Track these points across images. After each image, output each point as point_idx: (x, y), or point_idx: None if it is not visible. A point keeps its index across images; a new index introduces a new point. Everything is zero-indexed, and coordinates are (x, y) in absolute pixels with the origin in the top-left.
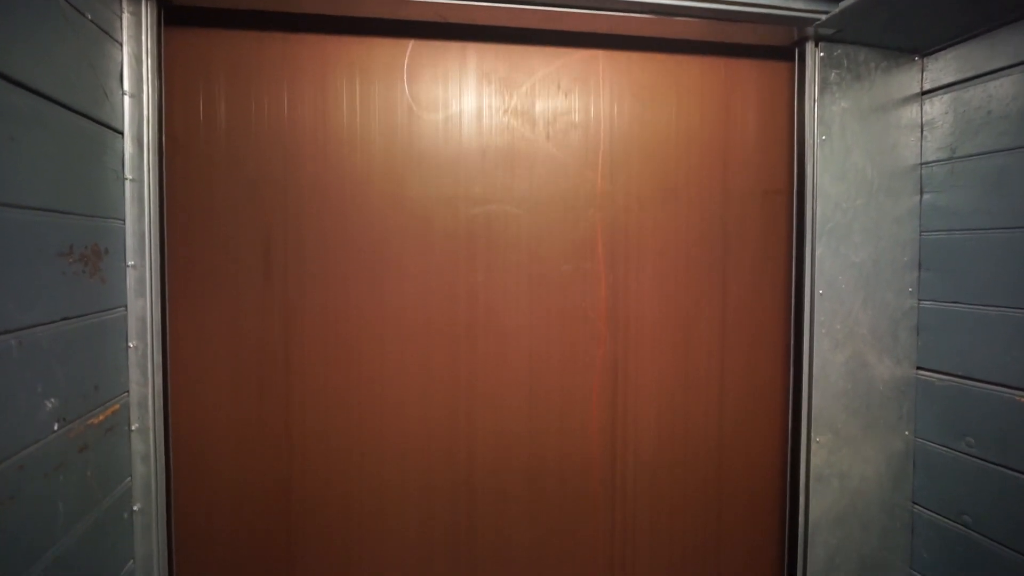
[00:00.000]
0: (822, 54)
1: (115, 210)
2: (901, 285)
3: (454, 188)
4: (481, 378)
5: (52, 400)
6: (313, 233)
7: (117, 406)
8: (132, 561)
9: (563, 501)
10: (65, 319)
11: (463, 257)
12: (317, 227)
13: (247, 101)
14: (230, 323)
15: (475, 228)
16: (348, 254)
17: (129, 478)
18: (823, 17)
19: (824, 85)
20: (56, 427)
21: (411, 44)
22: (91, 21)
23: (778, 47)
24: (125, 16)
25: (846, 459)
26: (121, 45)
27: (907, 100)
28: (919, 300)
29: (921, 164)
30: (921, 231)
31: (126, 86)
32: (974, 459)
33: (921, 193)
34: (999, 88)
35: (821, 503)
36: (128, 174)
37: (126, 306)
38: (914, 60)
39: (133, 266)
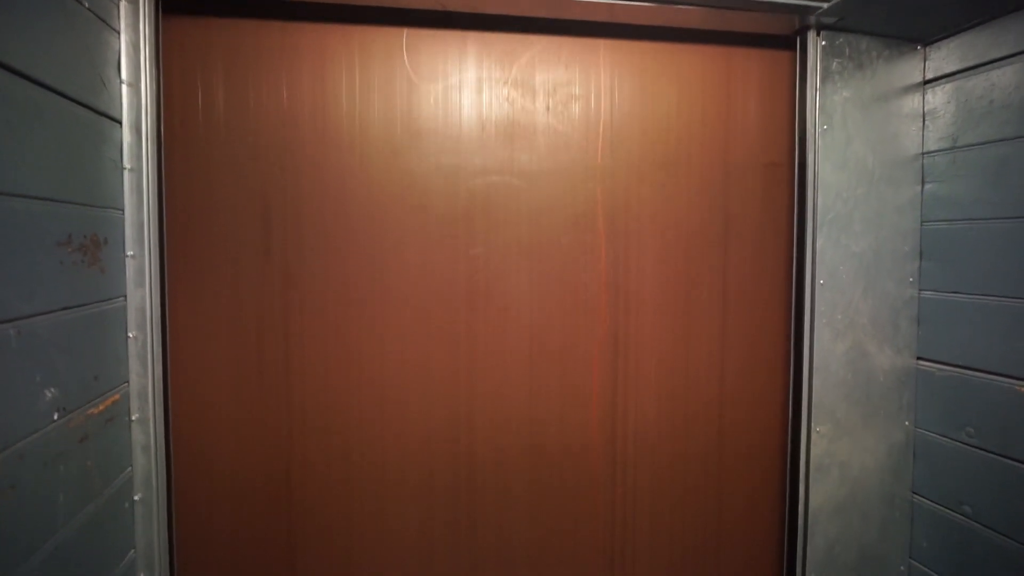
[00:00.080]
0: (824, 43)
1: (114, 200)
2: (902, 275)
3: (455, 158)
4: (482, 340)
5: (52, 390)
6: (311, 220)
7: (117, 396)
8: (133, 551)
9: (563, 484)
10: (64, 309)
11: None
12: (316, 213)
13: (245, 90)
14: (230, 312)
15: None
16: (347, 237)
17: (129, 468)
18: (825, 5)
19: (826, 74)
20: (56, 417)
21: (406, 32)
22: (88, 9)
23: (779, 36)
24: (123, 4)
25: (846, 449)
26: (119, 33)
27: (909, 89)
28: (920, 290)
29: (923, 154)
30: (922, 221)
31: (124, 75)
32: (974, 449)
33: (922, 183)
34: (1001, 77)
35: (821, 493)
36: (127, 163)
37: (125, 296)
38: (916, 49)
39: (132, 256)
